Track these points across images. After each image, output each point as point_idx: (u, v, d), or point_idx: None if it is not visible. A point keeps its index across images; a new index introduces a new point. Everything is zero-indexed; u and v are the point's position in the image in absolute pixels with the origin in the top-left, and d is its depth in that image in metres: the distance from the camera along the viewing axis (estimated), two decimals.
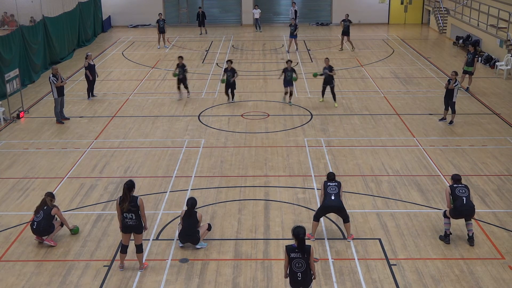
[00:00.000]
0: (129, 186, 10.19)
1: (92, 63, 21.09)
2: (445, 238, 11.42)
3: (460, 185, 11.25)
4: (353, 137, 17.14)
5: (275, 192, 13.68)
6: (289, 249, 8.71)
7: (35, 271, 10.60)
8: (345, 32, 29.10)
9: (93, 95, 21.41)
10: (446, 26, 33.86)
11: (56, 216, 11.44)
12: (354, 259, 10.88)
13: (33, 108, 20.24)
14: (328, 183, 11.43)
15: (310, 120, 18.59)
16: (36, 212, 11.32)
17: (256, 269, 10.61)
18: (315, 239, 11.50)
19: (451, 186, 11.28)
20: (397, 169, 14.88)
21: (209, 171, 14.82)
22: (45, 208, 11.30)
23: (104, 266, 10.74)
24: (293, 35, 28.94)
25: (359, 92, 21.74)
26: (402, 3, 38.13)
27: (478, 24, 28.68)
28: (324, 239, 11.55)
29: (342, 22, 29.46)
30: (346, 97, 20.92)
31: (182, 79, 20.65)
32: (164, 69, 25.65)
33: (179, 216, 11.59)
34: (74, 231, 11.76)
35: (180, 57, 20.73)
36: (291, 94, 20.14)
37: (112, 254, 11.12)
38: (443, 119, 18.40)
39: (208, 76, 24.31)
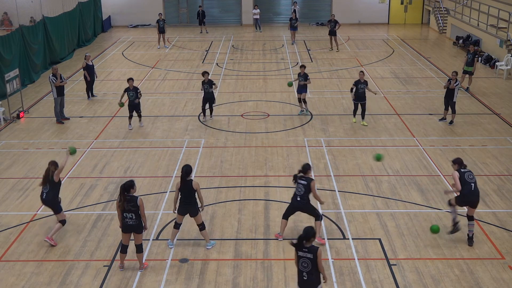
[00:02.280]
0: (125, 186, 10.17)
1: (91, 64, 21.11)
2: (455, 226, 11.30)
3: (467, 171, 11.09)
4: (353, 137, 17.13)
5: (275, 192, 13.69)
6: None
7: (35, 271, 10.61)
8: (332, 32, 29.29)
9: (93, 95, 21.43)
10: (446, 26, 33.86)
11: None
12: (354, 259, 10.88)
13: (33, 108, 20.24)
14: (298, 181, 11.13)
15: (310, 120, 18.59)
16: (43, 183, 11.43)
17: (256, 269, 10.61)
18: (283, 239, 11.44)
19: (458, 171, 11.06)
20: (397, 169, 14.88)
21: (209, 171, 14.82)
22: (50, 179, 11.38)
23: (104, 266, 10.74)
24: (294, 27, 30.73)
25: None
26: (402, 3, 38.13)
27: (478, 24, 28.68)
28: (324, 239, 11.54)
29: (328, 23, 29.77)
30: (346, 97, 20.91)
31: (135, 105, 17.52)
32: (164, 69, 25.66)
33: (176, 188, 10.98)
34: (71, 150, 11.98)
35: (130, 79, 17.40)
36: (305, 102, 18.92)
37: (112, 254, 11.12)
38: (443, 119, 18.40)
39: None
